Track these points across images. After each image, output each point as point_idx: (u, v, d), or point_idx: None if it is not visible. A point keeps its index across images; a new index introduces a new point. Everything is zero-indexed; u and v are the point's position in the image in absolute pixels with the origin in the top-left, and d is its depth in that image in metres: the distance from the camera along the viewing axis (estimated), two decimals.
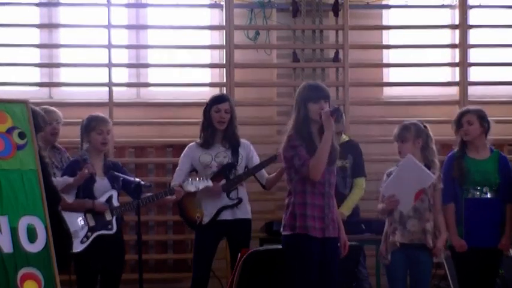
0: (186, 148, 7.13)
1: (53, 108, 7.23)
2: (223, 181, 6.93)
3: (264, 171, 7.09)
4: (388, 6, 9.31)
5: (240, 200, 6.95)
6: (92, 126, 6.73)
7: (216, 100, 7.04)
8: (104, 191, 6.70)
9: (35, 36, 8.85)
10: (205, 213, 6.95)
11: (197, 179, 6.84)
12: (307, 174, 5.67)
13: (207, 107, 7.03)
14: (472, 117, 6.63)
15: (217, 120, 6.96)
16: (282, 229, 5.83)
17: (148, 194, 6.76)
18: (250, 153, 7.07)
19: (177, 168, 7.14)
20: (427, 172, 6.42)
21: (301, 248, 5.70)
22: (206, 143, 6.99)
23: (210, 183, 6.83)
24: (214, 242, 7.03)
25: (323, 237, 5.72)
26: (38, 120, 5.70)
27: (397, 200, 6.40)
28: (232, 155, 6.98)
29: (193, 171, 7.10)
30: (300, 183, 5.75)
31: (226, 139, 7.00)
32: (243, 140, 7.11)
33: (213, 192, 6.88)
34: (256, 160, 7.06)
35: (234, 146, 7.00)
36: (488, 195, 6.62)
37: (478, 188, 6.61)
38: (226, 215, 6.95)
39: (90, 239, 6.59)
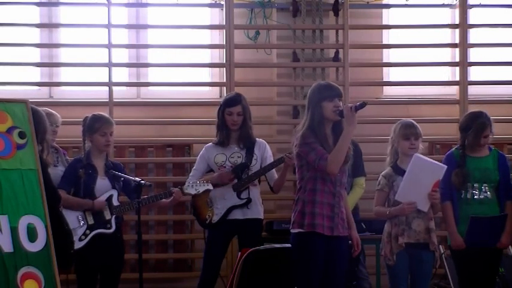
0: (203, 148, 7.18)
1: (53, 111, 7.14)
2: (235, 181, 6.96)
3: (274, 174, 7.09)
4: (388, 6, 9.30)
5: (249, 200, 6.95)
6: (96, 128, 6.71)
7: (228, 103, 7.03)
8: (105, 191, 6.70)
9: (35, 35, 8.85)
10: (215, 212, 6.98)
11: (198, 182, 6.86)
12: (324, 168, 5.67)
13: (220, 108, 7.06)
14: (492, 128, 6.66)
15: (229, 123, 7.00)
16: (290, 226, 5.84)
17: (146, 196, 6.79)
18: (265, 153, 7.08)
19: (193, 167, 7.19)
20: (437, 164, 6.44)
21: (309, 245, 5.71)
22: (221, 143, 7.03)
23: (210, 186, 6.85)
24: (224, 241, 7.05)
25: (331, 235, 5.74)
26: (44, 122, 5.69)
27: (415, 203, 6.40)
28: (246, 155, 7.00)
29: (210, 171, 7.13)
30: (311, 181, 5.76)
31: (241, 139, 7.02)
32: (259, 140, 7.13)
33: (223, 180, 6.91)
34: (270, 160, 7.07)
35: (249, 146, 7.03)
36: (488, 193, 6.62)
37: (477, 185, 6.62)
38: (236, 215, 6.96)
39: (89, 237, 6.60)
